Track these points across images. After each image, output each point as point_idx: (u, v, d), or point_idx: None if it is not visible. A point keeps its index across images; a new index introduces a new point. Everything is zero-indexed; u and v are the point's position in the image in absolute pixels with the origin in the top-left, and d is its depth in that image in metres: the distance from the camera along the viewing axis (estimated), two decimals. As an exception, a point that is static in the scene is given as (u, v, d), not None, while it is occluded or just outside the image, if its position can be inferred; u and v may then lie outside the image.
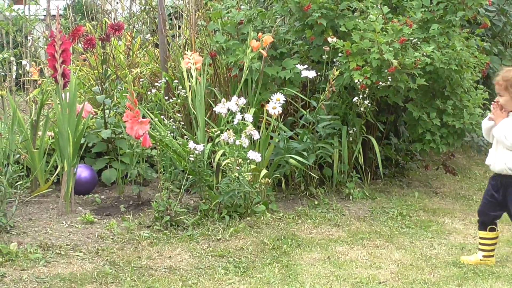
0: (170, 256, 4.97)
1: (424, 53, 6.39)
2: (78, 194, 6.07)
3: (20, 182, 5.50)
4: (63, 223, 5.46)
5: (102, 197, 6.25)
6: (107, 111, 6.62)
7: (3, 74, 8.44)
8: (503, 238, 5.59)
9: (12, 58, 8.80)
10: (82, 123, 5.99)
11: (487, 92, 7.09)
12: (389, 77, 6.33)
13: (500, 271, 4.87)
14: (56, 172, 6.09)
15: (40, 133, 6.15)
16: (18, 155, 5.81)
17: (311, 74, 6.33)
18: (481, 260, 5.01)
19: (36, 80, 7.99)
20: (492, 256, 5.04)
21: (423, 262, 5.04)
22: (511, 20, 8.34)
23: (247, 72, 6.45)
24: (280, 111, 6.11)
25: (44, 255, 4.85)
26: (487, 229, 4.99)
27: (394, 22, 6.50)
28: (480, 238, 5.06)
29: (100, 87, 6.75)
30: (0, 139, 5.54)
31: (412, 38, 6.54)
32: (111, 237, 5.22)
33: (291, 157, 6.19)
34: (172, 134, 6.24)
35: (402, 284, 4.58)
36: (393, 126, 7.59)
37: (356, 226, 5.85)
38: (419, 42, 6.64)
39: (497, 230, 5.04)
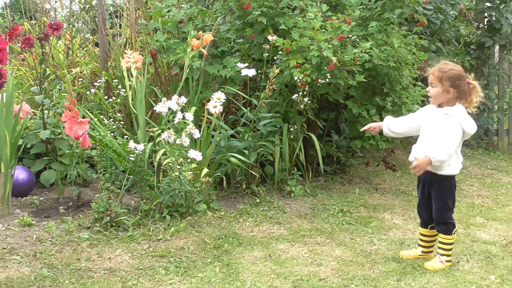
0: (110, 258, 4.93)
1: (363, 50, 6.44)
2: (16, 196, 5.99)
3: (-44, 185, 5.41)
4: None
5: (41, 199, 6.17)
6: (46, 112, 6.54)
7: None
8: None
9: None
10: (20, 124, 5.92)
11: (425, 89, 7.16)
12: (329, 74, 6.37)
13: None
14: (-4, 175, 6.00)
15: (-23, 134, 6.05)
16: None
17: (252, 72, 6.34)
18: (420, 255, 5.07)
19: (-27, 81, 7.85)
20: (431, 252, 5.10)
21: (363, 258, 5.08)
22: (449, 19, 8.46)
23: (188, 70, 6.43)
24: (221, 110, 6.11)
25: (-20, 258, 4.78)
26: (428, 227, 5.05)
27: (333, 20, 6.55)
28: (421, 234, 5.11)
29: (38, 87, 6.66)
30: None
31: (351, 36, 6.60)
32: (49, 239, 5.15)
33: (232, 156, 6.19)
34: (112, 134, 6.19)
35: (342, 281, 4.61)
36: (334, 123, 7.65)
37: (298, 224, 5.87)
38: (358, 40, 6.70)
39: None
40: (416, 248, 5.13)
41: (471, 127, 4.76)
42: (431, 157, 4.71)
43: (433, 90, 4.84)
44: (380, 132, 6.60)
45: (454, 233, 4.96)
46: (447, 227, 4.93)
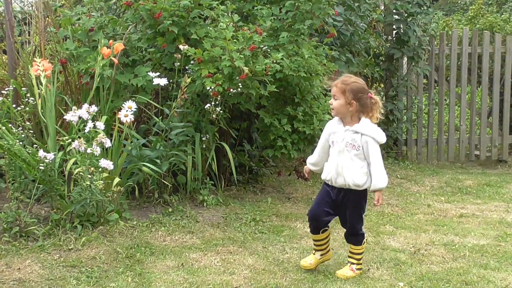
0: (19, 268, 4.83)
1: (274, 60, 6.51)
2: None
3: None
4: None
5: None
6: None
7: None
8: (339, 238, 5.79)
9: None
10: None
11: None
12: (241, 84, 6.41)
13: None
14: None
15: None
16: None
17: (163, 81, 6.32)
18: (320, 259, 5.13)
19: None
20: (329, 250, 5.18)
21: (276, 266, 5.13)
22: (359, 30, 8.62)
23: (98, 79, 6.37)
24: (133, 119, 6.06)
25: None
26: (320, 232, 5.09)
27: (245, 30, 6.59)
28: (315, 240, 5.13)
29: None
30: None
31: (262, 46, 6.66)
32: (-44, 250, 5.03)
33: (144, 165, 6.16)
34: (21, 143, 6.07)
35: (255, 289, 4.65)
36: (247, 133, 7.69)
37: (210, 233, 5.88)
38: (269, 50, 6.76)
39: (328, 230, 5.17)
40: (313, 253, 5.17)
41: (383, 137, 4.87)
42: (381, 188, 4.88)
43: (336, 103, 4.88)
44: (292, 141, 6.72)
45: (364, 243, 5.06)
46: (357, 238, 5.02)
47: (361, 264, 5.05)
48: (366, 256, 5.27)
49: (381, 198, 4.91)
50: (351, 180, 4.85)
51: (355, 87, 4.84)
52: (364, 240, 5.07)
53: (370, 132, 4.82)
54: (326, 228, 5.10)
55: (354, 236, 5.04)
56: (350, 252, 5.07)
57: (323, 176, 5.04)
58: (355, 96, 4.82)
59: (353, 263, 5.02)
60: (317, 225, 5.06)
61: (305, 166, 5.32)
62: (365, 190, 4.96)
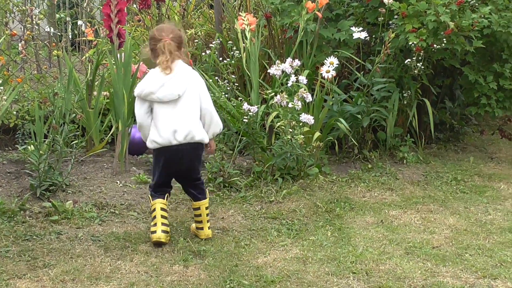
0: (223, 217, 5.00)
1: (482, 15, 6.26)
2: (131, 154, 6.11)
3: (76, 141, 5.56)
4: (117, 183, 5.52)
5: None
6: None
7: (59, 34, 8.51)
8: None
9: (68, 19, 8.87)
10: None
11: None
12: (445, 40, 6.23)
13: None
14: (111, 132, 6.14)
15: (95, 93, 6.19)
16: (74, 115, 5.85)
17: (363, 35, 6.28)
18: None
19: (91, 41, 8.04)
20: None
21: (478, 227, 4.99)
22: None
23: (302, 33, 6.40)
24: (334, 74, 6.06)
25: (99, 214, 4.92)
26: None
27: (451, -18, 6.38)
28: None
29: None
30: (57, 98, 5.59)
31: (469, 0, 6.41)
32: (164, 197, 5.26)
33: (340, 121, 6.13)
34: (226, 96, 6.23)
35: (456, 249, 4.54)
36: (449, 90, 7.48)
37: (410, 190, 5.81)
38: (477, 4, 6.50)
39: None
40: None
41: None
42: None
43: None
44: (497, 99, 6.45)
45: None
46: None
47: None
48: None
49: None
50: None
51: None
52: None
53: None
54: None
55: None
56: None
57: None
58: None
59: None
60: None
61: None
62: None
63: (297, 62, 5.91)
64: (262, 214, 5.10)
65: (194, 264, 4.19)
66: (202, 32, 7.86)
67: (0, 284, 3.85)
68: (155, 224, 4.44)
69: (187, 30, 7.68)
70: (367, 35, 6.32)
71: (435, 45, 6.25)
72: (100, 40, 7.09)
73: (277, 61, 5.99)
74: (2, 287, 3.82)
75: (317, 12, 6.34)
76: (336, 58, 6.10)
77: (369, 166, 6.28)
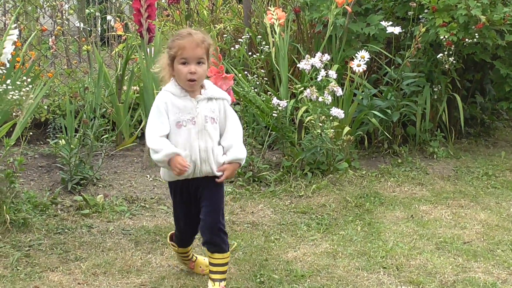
0: (253, 212, 5.01)
1: (514, 9, 6.21)
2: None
3: (106, 135, 5.60)
4: (147, 177, 5.55)
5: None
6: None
7: (89, 29, 8.56)
8: None
9: (97, 14, 8.92)
10: (166, 78, 6.02)
11: None
12: (476, 34, 6.18)
13: None
14: (141, 126, 6.17)
15: (125, 87, 6.22)
16: (104, 109, 5.89)
17: (397, 29, 6.25)
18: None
19: (120, 35, 8.07)
20: None
21: (510, 223, 4.94)
22: None
23: (331, 28, 6.38)
24: (365, 69, 6.04)
25: (129, 207, 4.96)
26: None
27: (483, -23, 6.32)
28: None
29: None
30: (87, 93, 5.62)
31: (502, -7, 6.37)
32: (194, 191, 5.27)
33: (374, 114, 6.11)
34: (255, 90, 6.23)
35: (488, 245, 4.50)
36: (479, 85, 7.42)
37: (440, 185, 5.77)
38: (509, -2, 6.46)
39: None
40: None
41: None
42: None
43: None
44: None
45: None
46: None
47: None
48: None
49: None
50: None
51: None
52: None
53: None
54: None
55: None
56: None
57: None
58: None
59: None
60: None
61: None
62: None
63: (326, 57, 5.89)
64: (291, 208, 5.10)
65: (224, 258, 4.19)
66: (231, 27, 7.86)
67: (34, 277, 3.89)
68: None
69: (216, 25, 7.70)
70: (400, 30, 6.30)
71: (466, 39, 6.21)
72: (130, 35, 7.12)
73: (307, 56, 5.98)
74: (35, 280, 3.86)
75: (346, 7, 6.31)
76: (366, 52, 6.08)
77: (399, 161, 6.25)
